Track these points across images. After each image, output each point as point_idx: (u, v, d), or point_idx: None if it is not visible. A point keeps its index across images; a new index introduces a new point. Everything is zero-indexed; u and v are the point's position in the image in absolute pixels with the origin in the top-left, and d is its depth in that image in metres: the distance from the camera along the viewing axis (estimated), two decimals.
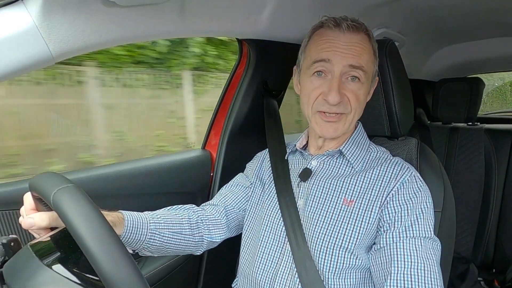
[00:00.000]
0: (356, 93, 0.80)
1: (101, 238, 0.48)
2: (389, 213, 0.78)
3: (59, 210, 0.51)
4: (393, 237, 0.75)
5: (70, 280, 0.50)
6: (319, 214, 0.82)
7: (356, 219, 0.79)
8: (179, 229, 0.89)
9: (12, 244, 0.59)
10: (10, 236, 0.60)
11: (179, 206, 0.96)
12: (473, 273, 1.74)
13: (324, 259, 0.78)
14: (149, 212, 0.88)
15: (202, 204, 1.01)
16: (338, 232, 0.79)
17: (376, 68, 0.86)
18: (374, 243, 0.79)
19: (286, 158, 0.96)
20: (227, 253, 1.13)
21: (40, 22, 0.65)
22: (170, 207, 0.95)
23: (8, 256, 0.58)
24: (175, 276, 1.25)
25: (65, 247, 0.57)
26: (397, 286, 0.70)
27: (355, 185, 0.83)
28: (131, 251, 0.84)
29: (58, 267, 0.52)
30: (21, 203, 0.69)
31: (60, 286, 0.50)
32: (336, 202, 0.82)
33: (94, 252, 0.46)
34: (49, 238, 0.60)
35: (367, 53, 0.81)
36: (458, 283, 1.70)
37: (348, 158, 0.86)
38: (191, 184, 1.30)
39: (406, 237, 0.74)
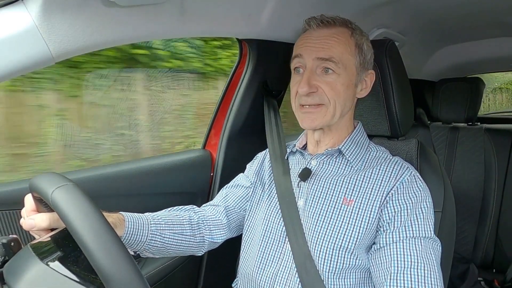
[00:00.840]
0: (331, 84, 0.82)
1: (99, 235, 0.48)
2: (388, 213, 0.78)
3: (57, 208, 0.51)
4: (393, 237, 0.75)
5: (71, 279, 0.50)
6: (319, 214, 0.82)
7: (356, 219, 0.79)
8: (180, 229, 0.89)
9: (12, 244, 0.59)
10: (10, 236, 0.60)
11: (180, 207, 0.96)
12: (473, 273, 1.74)
13: (324, 259, 0.78)
14: (150, 213, 0.88)
15: (203, 205, 1.01)
16: (338, 232, 0.79)
17: (357, 60, 0.85)
18: (374, 243, 0.79)
19: (286, 158, 0.96)
20: (227, 253, 1.13)
21: (40, 22, 0.65)
22: (170, 208, 0.95)
23: (8, 256, 0.58)
24: (175, 276, 1.25)
25: (65, 246, 0.57)
26: (397, 286, 0.70)
27: (354, 184, 0.83)
28: (132, 253, 0.84)
29: (59, 266, 0.52)
30: (21, 203, 0.69)
31: (60, 285, 0.50)
32: (336, 202, 0.82)
33: (92, 248, 0.46)
34: (49, 238, 0.60)
35: (341, 45, 0.82)
36: (458, 283, 1.70)
37: (347, 157, 0.86)
38: (191, 184, 1.30)
39: (406, 236, 0.74)
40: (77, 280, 0.51)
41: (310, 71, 0.83)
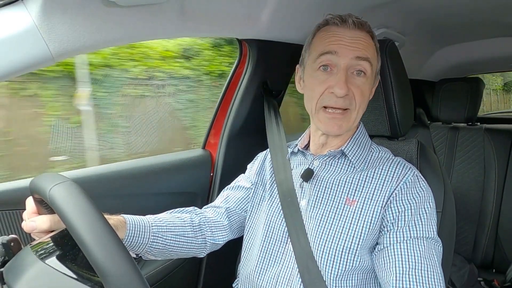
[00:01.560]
0: (361, 88, 0.80)
1: (97, 231, 0.48)
2: (392, 213, 0.77)
3: (55, 205, 0.51)
4: (396, 237, 0.75)
5: (70, 277, 0.50)
6: (322, 215, 0.82)
7: (359, 219, 0.79)
8: (181, 231, 0.89)
9: (12, 244, 0.59)
10: (10, 236, 0.60)
11: (181, 209, 0.96)
12: (473, 273, 1.74)
13: (327, 260, 0.78)
14: (151, 215, 0.88)
15: (204, 207, 1.01)
16: (341, 233, 0.79)
17: (379, 66, 0.87)
18: (377, 243, 0.79)
19: (287, 158, 0.96)
20: (228, 253, 1.13)
21: (40, 22, 0.65)
22: (172, 210, 0.95)
23: (8, 256, 0.58)
24: (175, 276, 1.25)
25: (64, 245, 0.57)
26: (402, 287, 0.70)
27: (357, 185, 0.82)
28: (134, 255, 0.84)
29: (58, 265, 0.52)
30: (21, 203, 0.69)
31: (60, 284, 0.50)
32: (339, 203, 0.82)
33: (90, 245, 0.46)
34: (49, 239, 0.60)
35: (371, 48, 0.82)
36: (458, 283, 1.70)
37: (350, 158, 0.86)
38: (191, 184, 1.30)
39: (410, 237, 0.74)
40: (77, 278, 0.51)
41: (346, 72, 0.79)
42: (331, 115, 0.81)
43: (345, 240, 0.78)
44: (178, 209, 0.96)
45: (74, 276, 0.51)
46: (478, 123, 1.97)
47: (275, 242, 0.87)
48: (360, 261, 0.77)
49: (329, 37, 0.81)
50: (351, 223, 0.79)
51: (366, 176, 0.83)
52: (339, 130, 0.83)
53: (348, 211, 0.80)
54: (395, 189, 0.79)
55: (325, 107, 0.82)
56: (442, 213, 0.90)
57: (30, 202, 0.68)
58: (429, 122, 2.18)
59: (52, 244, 0.59)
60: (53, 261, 0.53)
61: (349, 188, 0.82)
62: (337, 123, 0.81)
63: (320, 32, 0.84)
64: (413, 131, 1.92)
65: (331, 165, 0.88)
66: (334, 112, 0.81)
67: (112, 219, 0.76)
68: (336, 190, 0.83)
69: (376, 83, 0.89)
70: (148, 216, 0.86)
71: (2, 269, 0.55)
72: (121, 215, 0.80)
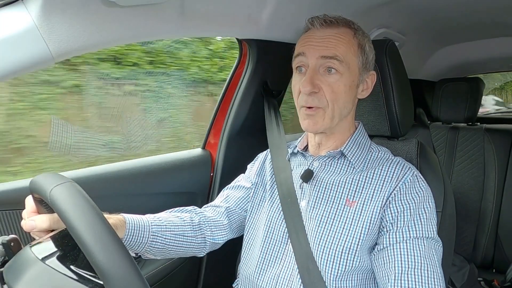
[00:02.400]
0: (333, 85, 0.81)
1: (97, 232, 0.47)
2: (391, 213, 0.77)
3: (55, 206, 0.51)
4: (396, 237, 0.75)
5: (70, 277, 0.50)
6: (322, 215, 0.82)
7: (358, 220, 0.79)
8: (181, 231, 0.89)
9: (12, 244, 0.59)
10: (10, 236, 0.60)
11: (181, 208, 0.96)
12: (473, 273, 1.74)
13: (327, 260, 0.78)
14: (151, 214, 0.88)
15: (204, 206, 1.01)
16: (341, 234, 0.79)
17: (361, 61, 0.85)
18: (377, 244, 0.79)
19: (287, 159, 0.96)
20: (228, 253, 1.13)
21: (40, 22, 0.65)
22: (171, 209, 0.95)
23: (8, 256, 0.58)
24: (175, 276, 1.25)
25: (65, 245, 0.57)
26: (401, 287, 0.70)
27: (357, 185, 0.82)
28: (133, 254, 0.84)
29: (58, 265, 0.52)
30: (21, 203, 0.69)
31: (60, 284, 0.50)
32: (339, 203, 0.82)
33: (90, 245, 0.46)
34: (49, 239, 0.60)
35: (345, 44, 0.82)
36: (458, 283, 1.70)
37: (349, 159, 0.86)
38: (191, 184, 1.30)
39: (409, 237, 0.74)
40: (77, 278, 0.51)
41: (313, 70, 0.81)
42: (306, 113, 0.83)
43: (345, 241, 0.78)
44: (177, 208, 0.96)
45: (74, 276, 0.51)
46: (478, 123, 1.97)
47: (275, 242, 0.87)
48: (360, 262, 0.77)
49: (302, 39, 0.86)
50: (351, 224, 0.79)
51: (366, 176, 0.83)
52: (315, 127, 0.84)
53: (348, 212, 0.80)
54: (394, 189, 0.79)
55: (303, 107, 0.84)
56: (442, 213, 0.90)
57: (29, 201, 0.68)
58: (429, 122, 2.17)
59: (52, 244, 0.59)
60: (53, 261, 0.53)
61: (349, 189, 0.82)
62: (312, 120, 0.83)
63: (301, 37, 0.88)
64: (413, 131, 1.92)
65: (330, 165, 0.88)
66: (307, 109, 0.83)
67: (112, 218, 0.76)
68: (336, 191, 0.83)
69: (371, 78, 0.88)
70: (147, 216, 0.86)
71: (2, 269, 0.55)
72: (121, 214, 0.80)
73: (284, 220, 0.86)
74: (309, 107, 0.82)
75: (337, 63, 0.80)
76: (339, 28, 0.83)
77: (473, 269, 1.75)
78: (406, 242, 0.74)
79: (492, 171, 1.81)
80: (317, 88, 0.81)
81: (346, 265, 0.77)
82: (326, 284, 0.77)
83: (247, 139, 1.34)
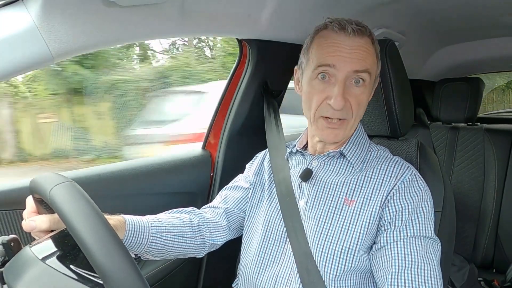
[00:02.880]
0: (358, 97, 0.80)
1: (97, 232, 0.48)
2: (390, 212, 0.77)
3: (55, 205, 0.51)
4: (393, 236, 0.75)
5: (71, 278, 0.50)
6: (321, 215, 0.82)
7: (357, 219, 0.79)
8: (180, 232, 0.89)
9: (12, 244, 0.59)
10: (10, 236, 0.60)
11: (180, 209, 0.96)
12: (473, 273, 1.74)
13: (326, 260, 0.78)
14: (151, 215, 0.88)
15: (203, 207, 1.01)
16: (340, 233, 0.79)
17: (378, 70, 0.86)
18: (375, 243, 0.79)
19: (286, 158, 0.96)
20: (227, 253, 1.13)
21: (40, 22, 0.65)
22: (171, 210, 0.95)
23: (8, 256, 0.58)
24: (175, 277, 1.25)
25: (65, 245, 0.57)
26: (397, 285, 0.70)
27: (356, 184, 0.82)
28: (133, 255, 0.84)
29: (58, 265, 0.52)
30: (21, 203, 0.69)
31: (61, 284, 0.50)
32: (338, 202, 0.82)
33: (90, 245, 0.46)
34: (49, 239, 0.60)
35: (371, 56, 0.80)
36: (458, 283, 1.70)
37: (348, 158, 0.86)
38: (191, 184, 1.30)
39: (407, 236, 0.74)
40: (77, 278, 0.51)
41: (344, 83, 0.78)
42: (329, 125, 0.81)
43: (344, 240, 0.78)
44: (177, 209, 0.96)
45: (74, 276, 0.51)
46: (478, 123, 1.97)
47: (274, 242, 0.87)
48: (359, 261, 0.77)
49: (328, 47, 0.79)
50: (350, 223, 0.79)
51: (365, 176, 0.83)
52: (335, 139, 0.83)
53: (347, 211, 0.80)
54: (392, 188, 0.79)
55: (323, 117, 0.82)
56: (442, 213, 0.90)
57: (30, 201, 0.68)
58: (429, 122, 2.17)
59: (52, 244, 0.59)
60: (53, 261, 0.53)
61: (348, 188, 0.82)
62: (334, 132, 0.82)
63: (319, 38, 0.82)
64: (413, 131, 1.92)
65: (330, 165, 0.88)
66: (331, 122, 0.81)
67: (112, 219, 0.76)
68: (335, 190, 0.83)
69: (375, 85, 0.89)
70: (147, 217, 0.86)
71: (2, 269, 0.55)
72: (121, 215, 0.80)
73: (282, 220, 0.86)
74: (331, 118, 0.80)
75: (366, 76, 0.79)
76: (365, 37, 0.80)
77: (473, 269, 1.74)
78: (404, 241, 0.74)
79: (492, 171, 1.81)
80: (348, 102, 0.79)
81: (345, 265, 0.77)
82: (325, 283, 0.77)
83: (247, 139, 1.34)
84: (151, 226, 0.83)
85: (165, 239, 0.85)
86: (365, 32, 0.80)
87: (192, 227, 0.91)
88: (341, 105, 0.77)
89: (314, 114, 0.82)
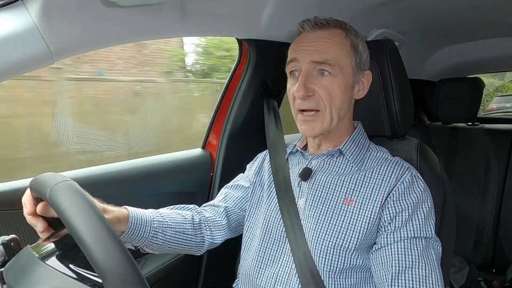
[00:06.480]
0: (327, 87, 0.81)
1: (96, 231, 0.47)
2: (389, 213, 0.77)
3: (55, 205, 0.51)
4: (394, 237, 0.75)
5: (71, 277, 0.50)
6: (320, 214, 0.82)
7: (356, 219, 0.79)
8: (182, 229, 0.89)
9: (12, 244, 0.59)
10: (10, 236, 0.60)
11: (183, 205, 0.96)
12: (473, 273, 1.74)
13: (325, 259, 0.78)
14: (154, 210, 0.89)
15: (203, 205, 1.01)
16: (339, 232, 0.79)
17: (355, 61, 0.84)
18: (375, 243, 0.79)
19: (286, 158, 0.96)
20: (228, 253, 1.13)
21: (40, 22, 0.65)
22: (173, 206, 0.95)
23: (8, 256, 0.58)
24: (175, 276, 1.25)
25: (65, 245, 0.57)
26: (398, 286, 0.70)
27: (355, 184, 0.83)
28: (133, 247, 0.85)
29: (58, 265, 0.52)
30: (21, 203, 0.68)
31: (60, 284, 0.50)
32: (337, 202, 0.82)
33: (89, 244, 0.46)
34: (49, 239, 0.61)
35: (336, 46, 0.82)
36: (458, 283, 1.70)
37: (348, 157, 0.86)
38: (191, 184, 1.30)
39: (407, 236, 0.74)
40: (76, 277, 0.51)
41: (306, 74, 0.82)
42: (304, 118, 0.84)
43: (343, 240, 0.78)
44: (179, 205, 0.96)
45: (74, 276, 0.51)
46: (478, 123, 1.97)
47: (274, 241, 0.87)
48: (358, 260, 0.78)
49: (293, 45, 0.86)
50: (349, 223, 0.79)
51: (364, 176, 0.83)
52: (313, 132, 0.84)
53: (346, 210, 0.80)
54: (392, 189, 0.79)
55: (299, 111, 0.84)
56: (442, 213, 0.90)
57: (28, 201, 0.68)
58: (429, 122, 2.18)
59: (52, 244, 0.59)
60: (53, 261, 0.53)
61: (347, 188, 0.83)
62: (310, 125, 0.83)
63: (294, 41, 0.88)
64: (413, 131, 1.92)
65: (329, 164, 0.88)
66: (306, 114, 0.83)
67: (115, 211, 0.77)
68: (334, 190, 0.83)
69: (368, 78, 0.88)
70: (150, 210, 0.87)
71: (2, 269, 0.55)
72: (124, 207, 0.81)
73: (282, 219, 0.86)
74: (304, 111, 0.83)
75: (328, 67, 0.81)
76: (330, 29, 0.83)
77: (473, 269, 1.75)
78: (404, 242, 0.74)
79: (492, 171, 1.81)
80: (311, 91, 0.81)
81: (344, 264, 0.77)
82: (324, 282, 0.77)
83: (247, 139, 1.34)
84: (153, 221, 0.84)
85: (166, 235, 0.86)
86: (329, 25, 0.83)
87: (193, 224, 0.92)
88: (301, 93, 0.80)
89: (294, 109, 0.86)
